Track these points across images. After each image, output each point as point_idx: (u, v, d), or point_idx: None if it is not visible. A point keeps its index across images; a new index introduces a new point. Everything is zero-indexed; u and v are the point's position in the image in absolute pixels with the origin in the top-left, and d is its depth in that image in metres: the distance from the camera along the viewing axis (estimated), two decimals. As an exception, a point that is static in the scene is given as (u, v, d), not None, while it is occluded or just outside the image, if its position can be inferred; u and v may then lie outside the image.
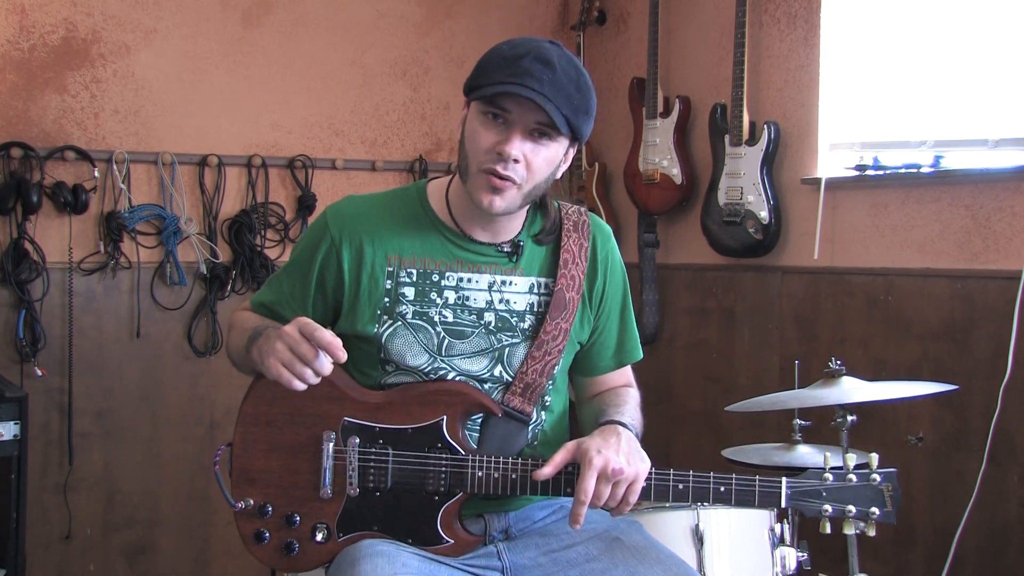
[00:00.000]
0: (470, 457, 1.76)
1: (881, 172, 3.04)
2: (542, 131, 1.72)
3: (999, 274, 2.77)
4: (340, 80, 3.82)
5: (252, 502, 1.78)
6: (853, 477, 1.75)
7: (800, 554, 2.25)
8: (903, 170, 2.99)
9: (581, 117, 1.73)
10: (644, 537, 1.82)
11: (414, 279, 1.82)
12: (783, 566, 2.21)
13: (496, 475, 1.75)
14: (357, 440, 1.77)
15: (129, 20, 3.49)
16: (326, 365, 1.65)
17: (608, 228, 1.97)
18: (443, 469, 1.76)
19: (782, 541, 2.25)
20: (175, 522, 3.58)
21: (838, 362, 2.37)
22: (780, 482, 1.75)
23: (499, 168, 1.71)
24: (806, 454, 2.44)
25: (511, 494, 1.77)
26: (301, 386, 1.66)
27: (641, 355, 2.02)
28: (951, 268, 2.90)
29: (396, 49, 3.89)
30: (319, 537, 1.78)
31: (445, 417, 1.77)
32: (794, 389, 2.50)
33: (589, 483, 1.65)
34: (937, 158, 2.93)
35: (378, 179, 3.84)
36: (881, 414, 2.94)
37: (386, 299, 1.82)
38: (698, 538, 2.17)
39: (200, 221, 3.59)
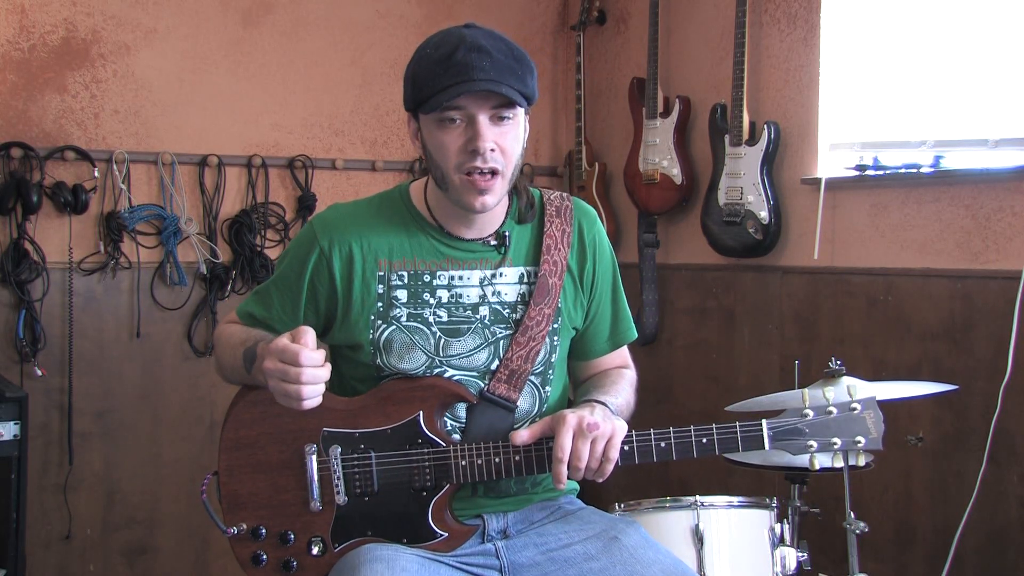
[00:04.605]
0: (452, 448, 1.76)
1: (881, 172, 3.04)
2: (501, 112, 1.71)
3: (999, 274, 2.77)
4: (340, 80, 3.82)
5: (245, 526, 1.79)
6: (833, 410, 1.73)
7: (800, 554, 2.25)
8: (903, 170, 2.98)
9: (529, 82, 1.73)
10: (642, 537, 1.82)
11: (406, 281, 1.82)
12: (783, 566, 2.21)
13: (480, 461, 1.75)
14: (339, 448, 1.77)
15: (129, 20, 3.49)
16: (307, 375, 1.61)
17: (593, 211, 1.96)
18: (427, 463, 1.76)
19: (782, 541, 2.25)
20: (175, 522, 3.58)
21: (838, 362, 2.36)
22: (761, 424, 1.74)
23: (478, 164, 1.70)
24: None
25: (497, 478, 1.77)
26: (304, 404, 1.63)
27: (635, 334, 2.01)
28: (951, 268, 2.89)
29: (396, 49, 3.89)
30: (315, 551, 1.77)
31: (421, 412, 1.77)
32: (794, 389, 2.50)
33: (565, 439, 1.66)
34: (937, 158, 2.93)
35: (378, 179, 3.84)
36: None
37: (379, 304, 1.81)
38: (698, 538, 2.17)
39: (200, 221, 3.59)
